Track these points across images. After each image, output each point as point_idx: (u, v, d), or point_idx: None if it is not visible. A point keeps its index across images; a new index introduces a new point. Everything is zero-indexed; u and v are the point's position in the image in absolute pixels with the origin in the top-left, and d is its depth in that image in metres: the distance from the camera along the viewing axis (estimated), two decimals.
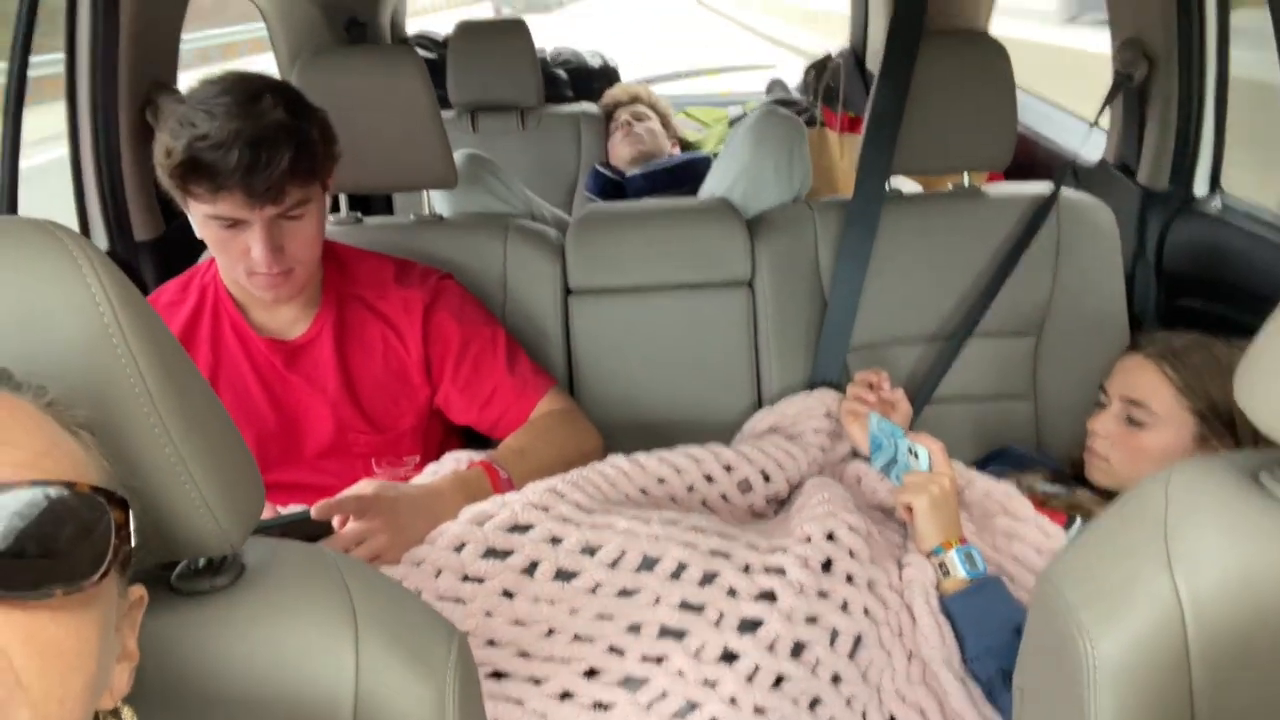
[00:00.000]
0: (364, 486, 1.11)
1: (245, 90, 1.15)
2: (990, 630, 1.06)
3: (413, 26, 3.34)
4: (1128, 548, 0.70)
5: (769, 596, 1.04)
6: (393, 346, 1.35)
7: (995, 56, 1.52)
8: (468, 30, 2.53)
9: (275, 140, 1.13)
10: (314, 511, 1.06)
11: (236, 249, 1.19)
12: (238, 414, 1.30)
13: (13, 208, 1.44)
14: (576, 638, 1.02)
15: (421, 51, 2.62)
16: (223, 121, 1.11)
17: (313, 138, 1.19)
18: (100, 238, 1.72)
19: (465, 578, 1.05)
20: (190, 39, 1.87)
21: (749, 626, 1.02)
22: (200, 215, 1.18)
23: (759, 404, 1.58)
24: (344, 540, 1.05)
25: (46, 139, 1.90)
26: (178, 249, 1.69)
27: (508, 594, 1.04)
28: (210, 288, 1.33)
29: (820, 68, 2.89)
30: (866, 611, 1.07)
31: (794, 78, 3.24)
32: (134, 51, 1.69)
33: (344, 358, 1.34)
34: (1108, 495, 1.25)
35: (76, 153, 1.68)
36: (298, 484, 1.33)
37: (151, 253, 1.79)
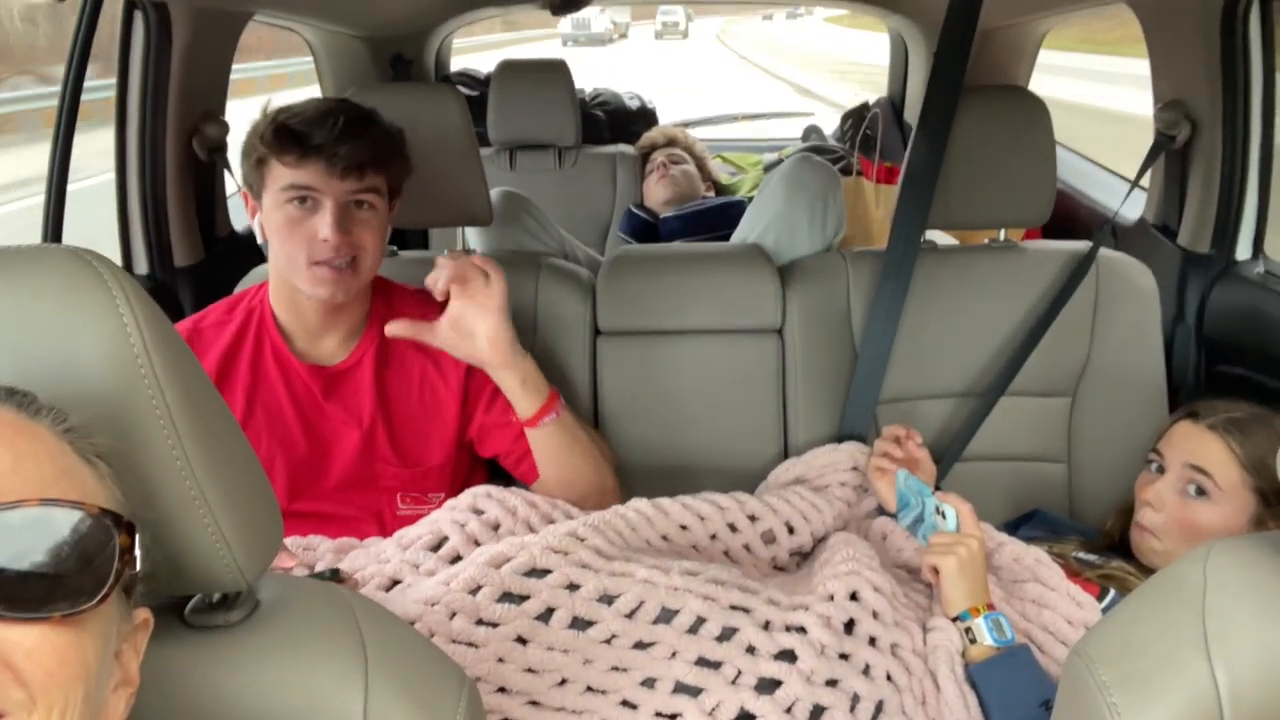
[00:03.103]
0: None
1: (336, 99, 1.33)
2: (1017, 703, 1.02)
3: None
4: (1164, 627, 0.68)
5: (789, 656, 1.01)
6: (430, 380, 1.36)
7: (1035, 112, 1.51)
8: (509, 69, 2.55)
9: (363, 123, 1.26)
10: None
11: (304, 232, 1.23)
12: (271, 439, 1.31)
13: (58, 233, 1.46)
14: (589, 689, 1.00)
15: (463, 89, 2.67)
16: (317, 106, 1.26)
17: (394, 135, 1.31)
18: (141, 261, 1.75)
19: (480, 621, 1.03)
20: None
21: (767, 686, 0.99)
22: (275, 193, 1.24)
23: (785, 454, 1.56)
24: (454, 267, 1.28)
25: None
26: (216, 276, 1.72)
27: (522, 640, 1.02)
28: (257, 311, 1.35)
29: (858, 116, 2.90)
30: (889, 677, 1.03)
31: (830, 125, 3.25)
32: (184, 81, 1.73)
33: (382, 386, 1.35)
34: (1144, 568, 1.21)
35: (123, 177, 1.72)
36: (321, 514, 1.33)
37: (191, 278, 1.82)
